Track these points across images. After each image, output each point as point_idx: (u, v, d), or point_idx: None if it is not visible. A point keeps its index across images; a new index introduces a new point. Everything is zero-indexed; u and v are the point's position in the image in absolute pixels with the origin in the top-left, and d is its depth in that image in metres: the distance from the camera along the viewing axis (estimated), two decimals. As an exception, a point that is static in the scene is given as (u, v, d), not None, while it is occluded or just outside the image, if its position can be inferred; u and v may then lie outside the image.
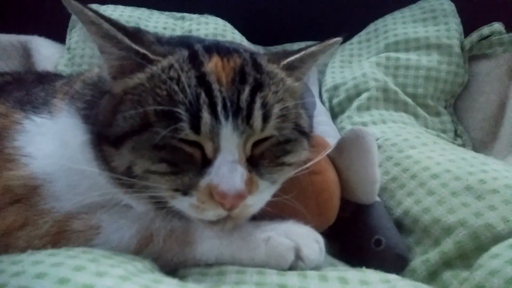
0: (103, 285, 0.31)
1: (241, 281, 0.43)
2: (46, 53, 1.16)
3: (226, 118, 0.45)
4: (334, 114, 1.10)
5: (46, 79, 0.77)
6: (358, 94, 1.07)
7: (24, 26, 1.20)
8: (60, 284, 0.31)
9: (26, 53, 1.14)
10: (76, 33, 1.20)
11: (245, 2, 1.36)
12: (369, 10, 1.32)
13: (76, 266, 0.34)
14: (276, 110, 0.47)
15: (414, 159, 0.73)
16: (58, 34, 1.24)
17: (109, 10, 1.23)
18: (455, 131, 1.07)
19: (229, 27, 1.29)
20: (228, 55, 0.50)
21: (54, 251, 0.41)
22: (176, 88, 0.45)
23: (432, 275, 0.56)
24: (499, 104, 1.04)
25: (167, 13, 1.29)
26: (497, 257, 0.49)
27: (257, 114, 0.46)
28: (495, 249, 0.51)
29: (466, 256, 0.54)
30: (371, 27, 1.27)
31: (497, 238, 0.53)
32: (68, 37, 1.22)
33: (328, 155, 0.64)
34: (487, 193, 0.59)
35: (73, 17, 1.22)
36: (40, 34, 1.22)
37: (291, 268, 0.49)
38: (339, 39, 0.58)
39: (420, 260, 0.59)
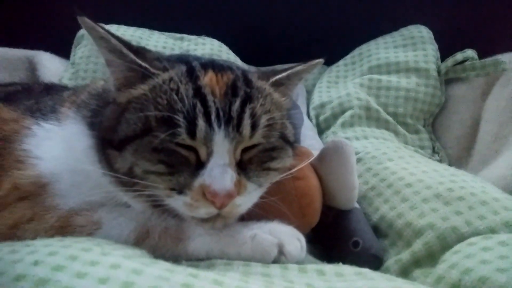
0: (108, 261, 0.36)
1: (229, 270, 0.48)
2: (51, 67, 1.21)
3: (219, 126, 0.50)
4: (321, 130, 1.17)
5: (54, 89, 0.82)
6: (343, 112, 1.14)
7: (31, 42, 1.26)
8: (71, 260, 0.36)
9: (32, 67, 1.19)
10: (81, 50, 1.26)
11: (240, 25, 1.45)
12: (354, 36, 1.41)
13: (83, 247, 0.39)
14: (263, 120, 0.53)
15: (391, 170, 0.80)
16: (63, 51, 1.30)
17: (113, 29, 1.28)
18: (433, 148, 1.14)
19: (224, 48, 1.37)
20: (222, 71, 0.56)
21: (62, 238, 0.46)
22: (175, 97, 0.50)
23: (403, 273, 0.61)
24: (473, 123, 1.12)
25: (167, 33, 1.36)
26: (457, 253, 0.55)
27: (246, 123, 0.51)
28: (456, 247, 0.57)
29: (433, 255, 0.59)
30: (356, 51, 1.36)
31: (461, 239, 0.59)
32: (72, 53, 1.28)
33: (311, 163, 0.69)
34: (454, 200, 0.66)
35: (78, 34, 1.31)
36: (46, 50, 1.28)
37: (274, 262, 0.53)
38: (321, 60, 0.65)
39: (393, 260, 0.64)
